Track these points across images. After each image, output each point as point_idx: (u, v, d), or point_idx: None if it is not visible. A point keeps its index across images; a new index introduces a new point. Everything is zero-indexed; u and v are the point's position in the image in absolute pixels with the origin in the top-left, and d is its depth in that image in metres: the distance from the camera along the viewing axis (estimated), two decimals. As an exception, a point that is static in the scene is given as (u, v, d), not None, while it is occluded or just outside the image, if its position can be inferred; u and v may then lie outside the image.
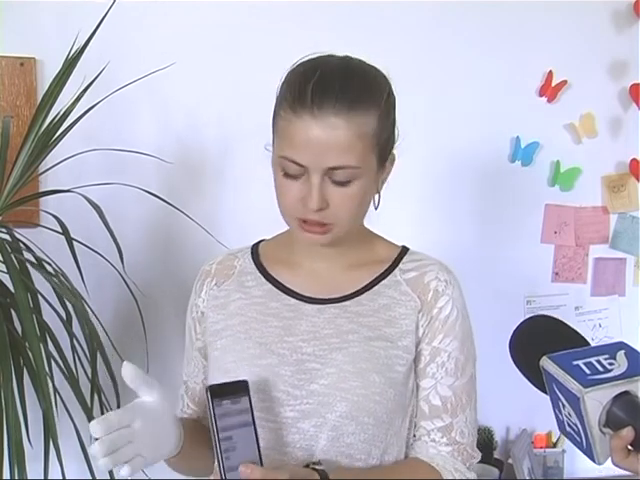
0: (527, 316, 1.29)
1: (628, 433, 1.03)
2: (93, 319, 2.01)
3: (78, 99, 2.02)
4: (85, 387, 1.98)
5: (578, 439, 1.08)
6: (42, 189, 2.29)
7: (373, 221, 1.50)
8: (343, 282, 1.46)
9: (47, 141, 2.01)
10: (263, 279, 1.50)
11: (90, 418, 1.95)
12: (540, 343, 1.15)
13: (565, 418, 1.09)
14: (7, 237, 1.99)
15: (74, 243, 2.03)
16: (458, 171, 2.74)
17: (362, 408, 1.36)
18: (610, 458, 1.06)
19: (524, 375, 1.18)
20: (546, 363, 1.08)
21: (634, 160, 2.88)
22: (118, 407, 1.92)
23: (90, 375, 2.02)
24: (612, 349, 1.10)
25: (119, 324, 2.11)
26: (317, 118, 1.29)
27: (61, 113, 2.02)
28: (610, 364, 1.07)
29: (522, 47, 2.75)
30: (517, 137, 2.79)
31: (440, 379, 1.43)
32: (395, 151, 1.45)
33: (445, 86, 2.67)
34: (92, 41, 1.99)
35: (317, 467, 1.30)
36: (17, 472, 1.77)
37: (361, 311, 1.43)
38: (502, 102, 2.74)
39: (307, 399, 1.37)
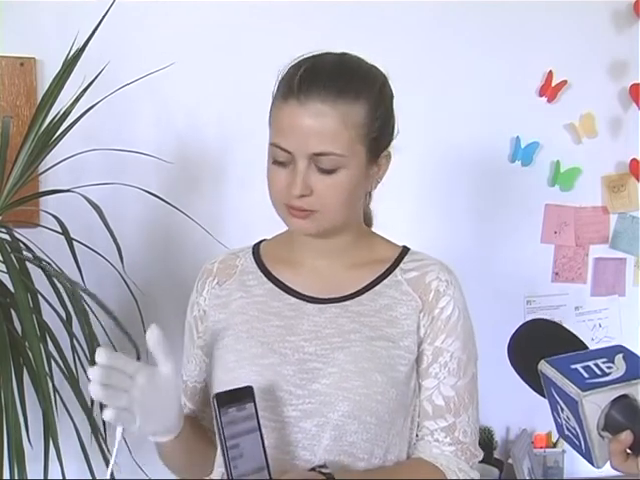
0: (527, 316, 1.29)
1: (627, 437, 1.03)
2: (93, 319, 2.00)
3: (78, 99, 2.02)
4: (85, 387, 1.98)
5: (577, 443, 1.08)
6: (42, 189, 2.29)
7: (376, 222, 1.51)
8: (344, 282, 1.47)
9: (47, 141, 2.01)
10: (264, 278, 1.50)
11: (90, 418, 1.95)
12: (538, 347, 1.14)
13: (564, 422, 1.09)
14: (7, 237, 1.99)
15: (74, 243, 2.03)
16: (458, 171, 2.74)
17: (364, 407, 1.36)
18: (609, 462, 1.06)
19: (523, 379, 1.18)
20: (544, 367, 1.08)
21: (634, 160, 2.88)
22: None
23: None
24: (610, 352, 1.09)
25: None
26: (303, 104, 1.31)
27: (61, 113, 2.02)
28: (608, 368, 1.07)
29: (522, 47, 2.75)
30: (517, 137, 2.79)
31: (443, 379, 1.44)
32: (391, 149, 1.45)
33: (445, 86, 2.67)
34: (92, 41, 1.98)
35: (323, 470, 1.30)
36: (17, 472, 1.77)
37: (362, 311, 1.43)
38: (502, 102, 2.74)
39: (309, 398, 1.37)
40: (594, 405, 1.03)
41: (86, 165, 2.25)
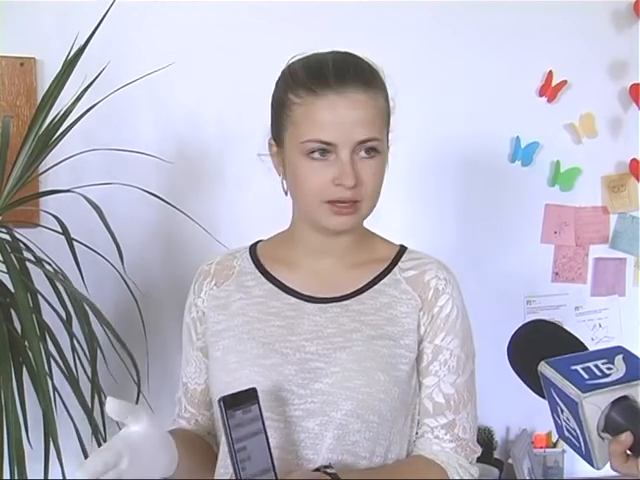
0: (527, 316, 1.29)
1: (627, 438, 1.03)
2: (93, 319, 2.01)
3: (78, 99, 2.03)
4: (85, 387, 1.98)
5: (577, 444, 1.08)
6: (42, 189, 2.29)
7: (373, 222, 1.51)
8: (343, 281, 1.47)
9: (47, 141, 2.01)
10: (263, 278, 1.50)
11: (90, 418, 1.96)
12: (538, 348, 1.15)
13: (564, 423, 1.09)
14: (7, 237, 2.00)
15: (74, 243, 2.03)
16: (458, 171, 2.75)
17: (367, 406, 1.36)
18: (609, 463, 1.06)
19: (522, 380, 1.18)
20: (544, 368, 1.08)
21: (634, 160, 2.88)
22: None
23: (90, 375, 2.02)
24: (610, 354, 1.10)
25: (119, 324, 2.11)
26: (341, 95, 1.33)
27: (61, 113, 2.02)
28: (608, 369, 1.07)
29: (522, 47, 2.75)
30: (517, 137, 2.79)
31: (443, 377, 1.44)
32: (390, 137, 1.47)
33: (445, 86, 2.67)
34: (92, 41, 1.99)
35: (328, 470, 1.31)
36: (17, 472, 1.78)
37: (363, 310, 1.44)
38: (502, 102, 2.74)
39: (312, 398, 1.37)
40: (594, 406, 1.03)
41: (86, 165, 2.25)
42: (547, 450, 2.83)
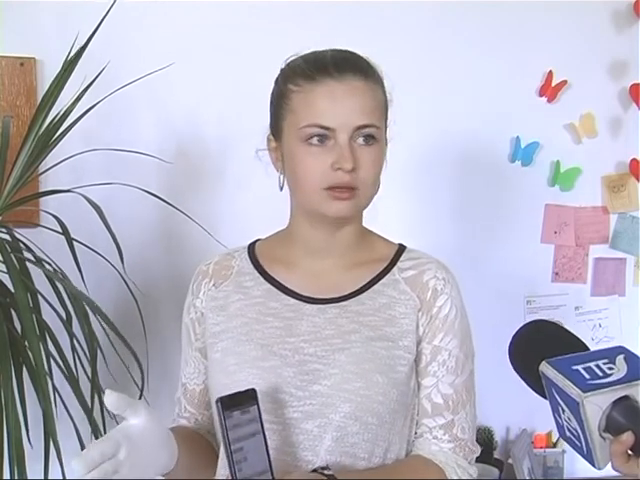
0: (527, 316, 1.29)
1: (628, 438, 1.03)
2: (93, 319, 2.00)
3: (78, 99, 2.03)
4: (85, 387, 1.98)
5: (578, 444, 1.08)
6: (42, 189, 2.29)
7: (373, 222, 1.51)
8: (342, 281, 1.47)
9: (47, 141, 2.01)
10: (262, 279, 1.50)
11: (90, 418, 1.96)
12: (539, 348, 1.14)
13: (565, 423, 1.09)
14: (7, 237, 2.00)
15: (74, 243, 2.03)
16: (458, 171, 2.75)
17: (366, 409, 1.36)
18: (610, 463, 1.06)
19: (523, 380, 1.18)
20: (545, 368, 1.08)
21: (634, 160, 2.87)
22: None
23: (90, 375, 2.01)
24: (611, 354, 1.10)
25: (119, 324, 2.11)
26: (339, 80, 1.35)
27: (61, 113, 2.02)
28: (609, 369, 1.07)
29: (522, 47, 2.75)
30: (517, 137, 2.79)
31: (441, 377, 1.44)
32: (387, 135, 1.48)
33: (445, 86, 2.67)
34: (92, 41, 1.99)
35: (325, 472, 1.31)
36: (17, 472, 1.78)
37: (361, 310, 1.43)
38: (502, 102, 2.74)
39: (310, 400, 1.37)
40: (595, 406, 1.03)
41: (86, 165, 2.25)
42: (547, 450, 2.82)
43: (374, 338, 1.40)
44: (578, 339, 1.17)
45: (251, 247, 1.57)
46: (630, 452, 1.04)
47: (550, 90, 2.79)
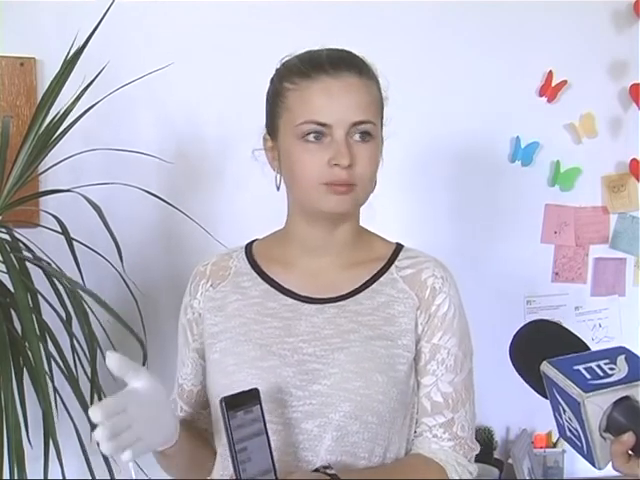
0: (527, 316, 1.29)
1: (629, 438, 1.03)
2: (93, 319, 2.00)
3: (78, 99, 2.02)
4: (85, 387, 1.98)
5: (579, 444, 1.08)
6: (42, 189, 2.29)
7: (373, 222, 1.50)
8: (340, 281, 1.47)
9: (47, 141, 2.01)
10: (259, 279, 1.50)
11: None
12: (540, 348, 1.15)
13: (566, 423, 1.09)
14: (7, 237, 1.99)
15: (74, 243, 2.03)
16: (458, 171, 2.74)
17: (366, 408, 1.36)
18: (611, 463, 1.06)
19: (524, 379, 1.18)
20: (546, 368, 1.08)
21: (634, 160, 2.87)
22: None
23: (90, 375, 2.01)
24: (612, 354, 1.10)
25: (119, 324, 2.11)
26: (335, 78, 1.35)
27: (61, 113, 2.02)
28: (611, 369, 1.07)
29: (522, 47, 2.75)
30: (517, 137, 2.79)
31: (440, 376, 1.45)
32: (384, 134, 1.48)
33: (445, 86, 2.67)
34: (92, 41, 1.99)
35: (328, 471, 1.31)
36: (17, 472, 1.77)
37: (360, 310, 1.43)
38: (502, 102, 2.74)
39: (310, 399, 1.37)
40: (596, 406, 1.03)
41: (86, 165, 2.25)
42: (547, 450, 2.82)
43: (373, 337, 1.41)
44: (579, 339, 1.17)
45: (248, 247, 1.57)
46: (631, 452, 1.04)
47: (550, 90, 2.79)
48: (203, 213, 2.36)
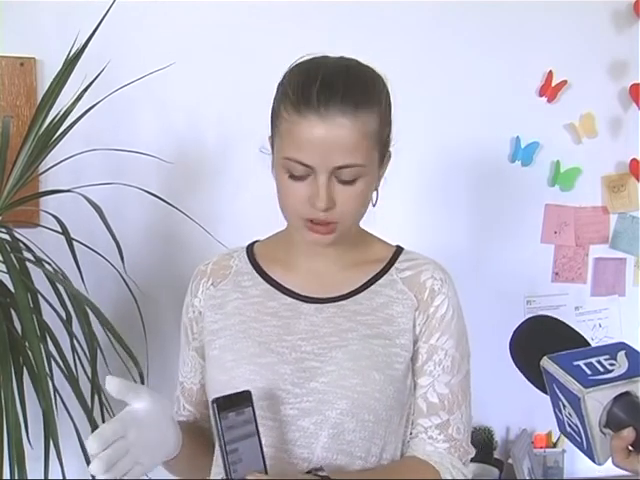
0: (527, 316, 1.29)
1: (629, 434, 1.03)
2: (93, 319, 2.00)
3: (78, 99, 2.03)
4: (85, 387, 1.98)
5: (578, 439, 1.08)
6: (42, 189, 2.29)
7: (371, 221, 1.50)
8: (340, 282, 1.47)
9: (47, 141, 2.01)
10: (260, 279, 1.50)
11: (90, 418, 1.95)
12: (540, 343, 1.15)
13: (565, 418, 1.09)
14: (7, 237, 2.00)
15: (74, 243, 2.03)
16: (458, 171, 2.75)
17: (362, 405, 1.36)
18: (610, 459, 1.06)
19: (524, 375, 1.18)
20: (547, 363, 1.08)
21: (634, 160, 2.88)
22: (118, 407, 1.92)
23: (90, 375, 2.01)
24: (613, 349, 1.10)
25: (119, 324, 2.11)
26: (323, 118, 1.29)
27: (61, 113, 2.02)
28: (611, 365, 1.07)
29: (522, 47, 2.75)
30: (517, 137, 2.79)
31: (437, 377, 1.44)
32: (391, 149, 1.45)
33: (445, 86, 2.67)
34: (92, 41, 1.99)
35: (320, 473, 1.31)
36: (17, 472, 1.77)
37: (359, 310, 1.44)
38: (502, 102, 2.74)
39: (307, 397, 1.37)
40: (596, 402, 1.03)
41: (86, 165, 2.25)
42: (547, 450, 2.83)
43: (371, 336, 1.41)
44: (579, 334, 1.18)
45: (250, 248, 1.58)
46: (631, 448, 1.04)
47: (550, 90, 2.79)
48: (203, 213, 2.36)
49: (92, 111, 2.06)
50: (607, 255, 2.96)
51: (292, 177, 1.34)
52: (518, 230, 2.85)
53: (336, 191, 1.33)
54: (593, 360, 1.07)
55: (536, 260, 2.89)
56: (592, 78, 2.83)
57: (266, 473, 1.24)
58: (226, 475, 1.22)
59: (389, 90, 1.42)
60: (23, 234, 2.10)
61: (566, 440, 1.13)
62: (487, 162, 2.78)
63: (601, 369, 1.06)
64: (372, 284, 1.47)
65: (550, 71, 2.78)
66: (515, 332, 1.24)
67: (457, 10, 2.66)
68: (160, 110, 2.48)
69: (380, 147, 1.38)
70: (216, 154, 2.53)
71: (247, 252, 1.56)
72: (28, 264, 2.01)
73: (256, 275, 1.51)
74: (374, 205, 1.44)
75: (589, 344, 1.15)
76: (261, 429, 1.27)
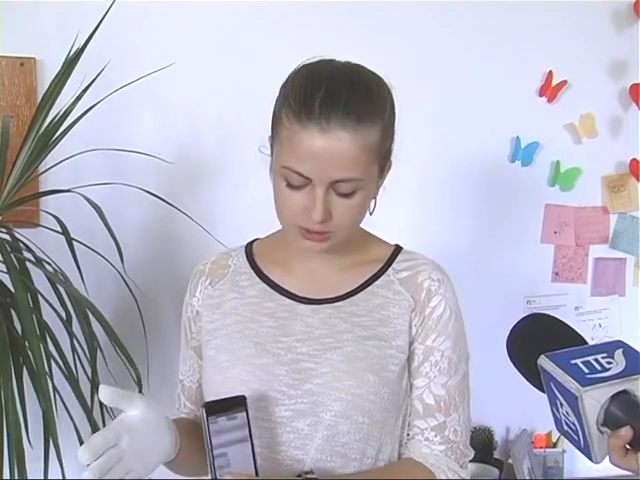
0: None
1: (626, 432, 1.03)
2: (93, 319, 2.00)
3: (78, 99, 2.03)
4: (85, 387, 1.98)
5: (576, 438, 1.08)
6: (42, 189, 2.29)
7: (373, 222, 1.50)
8: (337, 283, 1.47)
9: (47, 141, 2.01)
10: (257, 279, 1.50)
11: (90, 418, 1.96)
12: (538, 342, 1.14)
13: (563, 417, 1.09)
14: (7, 237, 2.00)
15: (74, 243, 2.03)
16: (458, 171, 2.74)
17: (357, 407, 1.36)
18: (608, 457, 1.06)
19: (522, 373, 1.18)
20: (544, 362, 1.08)
21: (634, 160, 2.88)
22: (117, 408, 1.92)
23: (90, 375, 2.02)
24: (610, 348, 1.09)
25: (119, 324, 2.11)
26: (324, 130, 1.27)
27: (61, 113, 2.02)
28: (608, 363, 1.07)
29: (522, 47, 2.75)
30: (517, 137, 2.79)
31: (434, 378, 1.44)
32: (392, 158, 1.45)
33: (445, 86, 2.67)
34: (92, 41, 1.99)
35: (309, 476, 1.31)
36: (17, 472, 1.77)
37: (355, 311, 1.43)
38: (502, 102, 2.74)
39: (302, 398, 1.37)
40: (594, 400, 1.03)
41: (86, 165, 2.25)
42: (547, 450, 2.83)
43: (366, 337, 1.40)
44: (576, 333, 1.17)
45: (248, 247, 1.58)
46: (628, 446, 1.04)
47: (550, 90, 2.79)
48: (203, 213, 2.37)
49: (92, 111, 2.07)
50: (607, 255, 2.96)
51: (289, 186, 1.33)
52: (518, 230, 2.85)
53: (333, 203, 1.33)
54: (590, 358, 1.07)
55: (536, 260, 2.88)
56: (592, 78, 2.83)
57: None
58: (211, 478, 1.22)
59: (394, 101, 1.40)
60: (23, 234, 2.10)
61: (566, 440, 1.13)
62: (487, 162, 2.78)
63: (598, 367, 1.06)
64: (369, 285, 1.46)
65: (550, 71, 2.78)
66: (512, 330, 1.24)
67: (457, 10, 2.67)
68: (160, 110, 2.48)
69: (380, 160, 1.37)
70: (216, 154, 2.53)
71: (246, 251, 1.56)
72: (28, 264, 2.01)
73: (254, 275, 1.51)
74: (371, 214, 1.44)
75: (586, 342, 1.15)
76: (255, 430, 1.28)
